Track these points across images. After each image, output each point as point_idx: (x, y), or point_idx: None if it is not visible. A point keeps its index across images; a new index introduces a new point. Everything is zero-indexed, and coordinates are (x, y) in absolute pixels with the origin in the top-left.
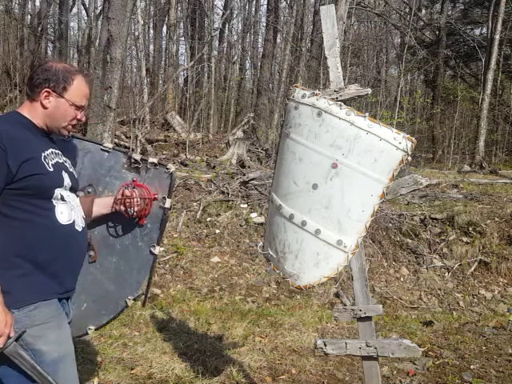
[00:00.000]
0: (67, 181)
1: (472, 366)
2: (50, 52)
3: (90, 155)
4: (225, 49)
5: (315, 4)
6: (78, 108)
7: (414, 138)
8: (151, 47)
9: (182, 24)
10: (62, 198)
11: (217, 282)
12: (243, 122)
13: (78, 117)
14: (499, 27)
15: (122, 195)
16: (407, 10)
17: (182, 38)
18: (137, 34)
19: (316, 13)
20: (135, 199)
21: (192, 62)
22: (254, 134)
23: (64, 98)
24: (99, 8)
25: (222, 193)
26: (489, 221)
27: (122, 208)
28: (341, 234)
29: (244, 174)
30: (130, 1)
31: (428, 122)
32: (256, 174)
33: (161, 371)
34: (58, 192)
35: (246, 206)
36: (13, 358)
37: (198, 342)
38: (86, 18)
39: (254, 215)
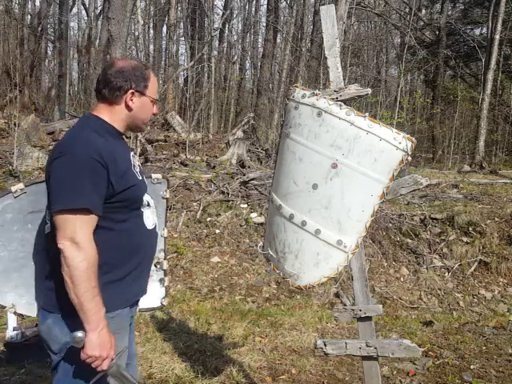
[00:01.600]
0: (146, 184)
1: (472, 366)
2: (50, 52)
3: None
4: (225, 49)
5: (315, 4)
6: (155, 102)
7: (413, 138)
8: (151, 47)
9: (182, 24)
10: (148, 204)
11: (217, 282)
12: (243, 122)
13: (155, 111)
14: (499, 27)
15: None
16: (407, 10)
17: (182, 38)
18: (137, 33)
19: (316, 13)
20: None
21: (192, 62)
22: (254, 134)
23: (146, 95)
24: (99, 8)
25: (222, 193)
26: (489, 221)
27: None
28: (341, 234)
29: (244, 174)
30: (130, 1)
31: (428, 122)
32: (256, 174)
33: (161, 371)
34: (145, 198)
35: (246, 205)
36: (115, 378)
37: (197, 341)
38: (86, 18)
39: (254, 215)
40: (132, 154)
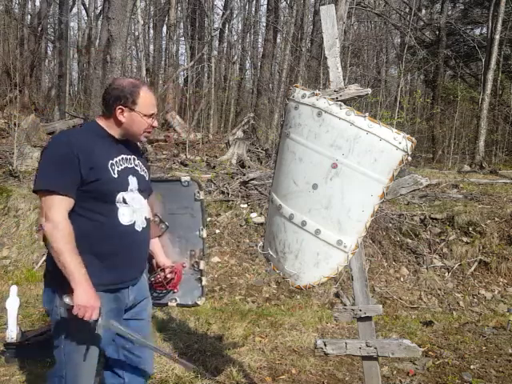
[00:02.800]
0: (134, 184)
1: (472, 366)
2: (49, 52)
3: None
4: (225, 49)
5: (315, 4)
6: (149, 116)
7: (413, 138)
8: (151, 47)
9: (182, 24)
10: (125, 201)
11: (217, 282)
12: (243, 122)
13: (152, 124)
14: (499, 27)
15: (165, 277)
16: (407, 10)
17: (182, 38)
18: (137, 33)
19: (316, 13)
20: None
21: (192, 62)
22: (254, 134)
23: (135, 111)
24: (99, 8)
25: (222, 193)
26: (489, 221)
27: (160, 280)
28: (341, 234)
29: (244, 174)
30: (130, 1)
31: (428, 122)
32: (256, 174)
33: (161, 371)
34: (120, 196)
35: (246, 205)
36: (108, 328)
37: (197, 342)
38: (85, 18)
39: (254, 215)
40: (126, 157)
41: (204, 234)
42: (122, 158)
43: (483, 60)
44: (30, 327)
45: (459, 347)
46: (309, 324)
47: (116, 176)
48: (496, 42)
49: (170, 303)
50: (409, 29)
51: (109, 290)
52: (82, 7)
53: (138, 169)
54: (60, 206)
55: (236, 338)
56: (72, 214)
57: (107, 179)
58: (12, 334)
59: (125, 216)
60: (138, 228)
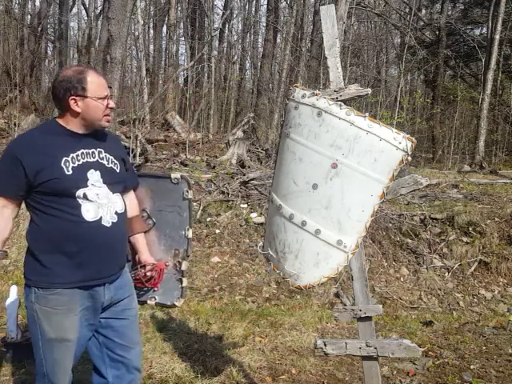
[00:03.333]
0: (95, 178)
1: (472, 366)
2: (49, 52)
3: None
4: (225, 49)
5: (315, 4)
6: (104, 98)
7: (413, 138)
8: (151, 47)
9: (182, 24)
10: (86, 197)
11: (217, 282)
12: (243, 122)
13: (109, 105)
14: (499, 27)
15: (144, 275)
16: (407, 10)
17: (182, 38)
18: (137, 33)
19: (316, 13)
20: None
21: (192, 62)
22: (254, 134)
23: (88, 97)
24: (99, 8)
25: (222, 193)
26: (489, 221)
27: (139, 277)
28: (341, 234)
29: (244, 174)
30: (130, 1)
31: (428, 122)
32: (256, 173)
33: (161, 371)
34: (80, 192)
35: (246, 205)
36: None
37: (197, 341)
38: (85, 18)
39: (254, 215)
40: (99, 150)
41: (189, 234)
42: (82, 153)
43: (483, 60)
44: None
45: (459, 347)
46: (309, 324)
47: (70, 173)
48: (496, 42)
49: (149, 301)
50: (409, 29)
51: (82, 286)
52: (82, 7)
53: (104, 162)
54: None
55: (236, 338)
56: (38, 214)
57: (61, 177)
58: (12, 333)
59: (89, 212)
60: (107, 223)
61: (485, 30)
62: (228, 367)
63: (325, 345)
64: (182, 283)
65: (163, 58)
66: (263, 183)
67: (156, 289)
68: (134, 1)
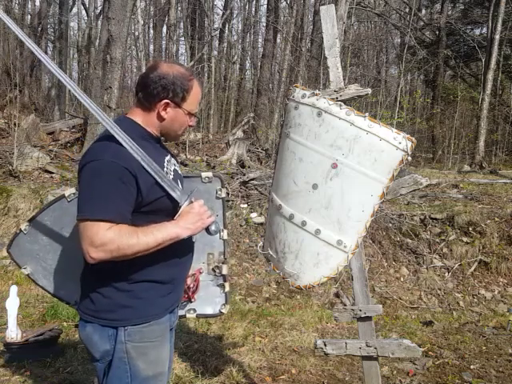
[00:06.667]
0: (180, 188)
1: (472, 366)
2: (50, 52)
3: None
4: (225, 49)
5: (315, 4)
6: (193, 115)
7: (413, 138)
8: (151, 47)
9: (182, 24)
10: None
11: None
12: (243, 122)
13: (190, 123)
14: (499, 27)
15: (188, 287)
16: (407, 10)
17: (182, 38)
18: (137, 33)
19: (316, 13)
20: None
21: (192, 62)
22: (254, 134)
23: (182, 108)
24: (99, 8)
25: None
26: (489, 221)
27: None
28: (341, 234)
29: (244, 174)
30: (130, 1)
31: (428, 122)
32: (256, 173)
33: None
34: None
35: (246, 205)
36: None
37: (197, 341)
38: (86, 18)
39: (254, 215)
40: (167, 158)
41: (225, 235)
42: (168, 161)
43: (483, 60)
44: (30, 327)
45: (459, 347)
46: (309, 324)
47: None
48: (496, 42)
49: (188, 315)
50: (409, 29)
51: (171, 310)
52: (82, 7)
53: (177, 168)
54: (105, 231)
55: (236, 338)
56: None
57: (166, 194)
58: (12, 333)
59: None
60: (194, 238)
61: (485, 30)
62: (228, 367)
63: (325, 345)
64: (224, 288)
65: (163, 58)
66: (263, 183)
67: (193, 300)
68: (134, 1)
